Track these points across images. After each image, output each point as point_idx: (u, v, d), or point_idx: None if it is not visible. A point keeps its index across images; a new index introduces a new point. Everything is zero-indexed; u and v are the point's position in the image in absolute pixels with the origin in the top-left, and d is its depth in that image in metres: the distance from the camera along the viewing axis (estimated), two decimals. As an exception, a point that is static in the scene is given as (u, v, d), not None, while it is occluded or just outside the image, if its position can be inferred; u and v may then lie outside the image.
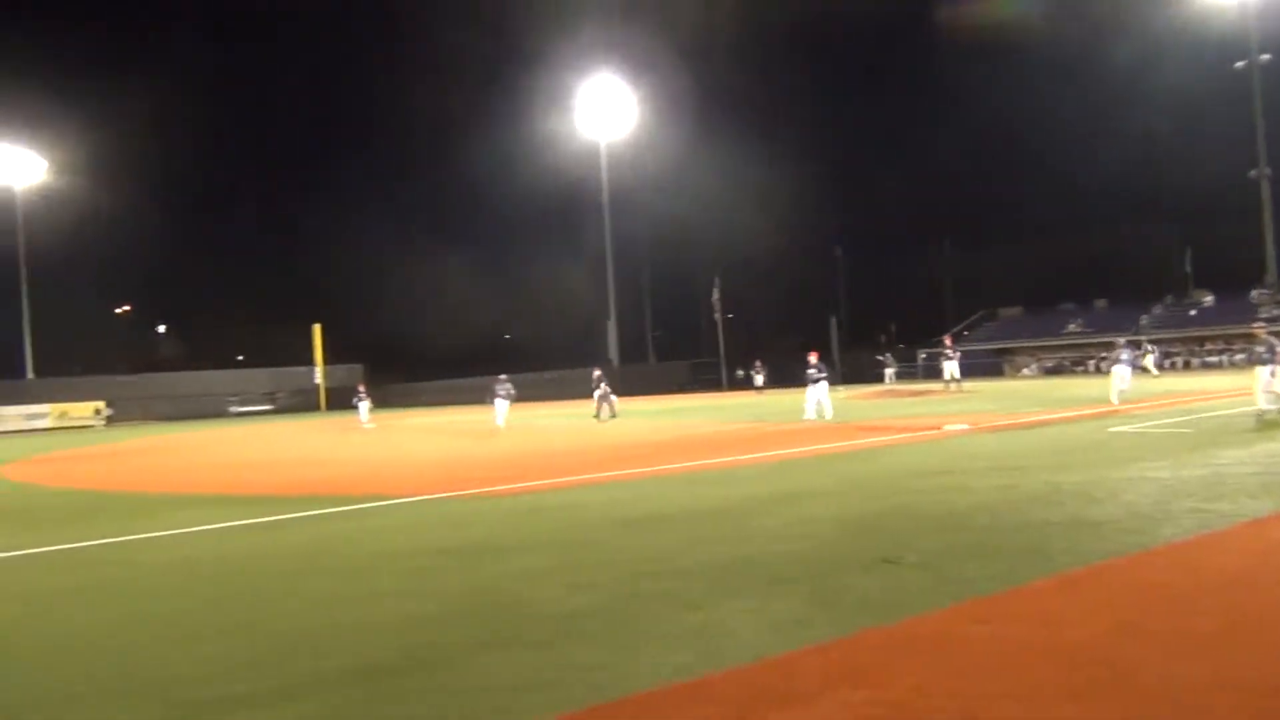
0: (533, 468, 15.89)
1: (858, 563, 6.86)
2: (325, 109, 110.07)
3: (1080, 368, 63.52)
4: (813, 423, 23.15)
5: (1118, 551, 6.84)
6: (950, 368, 41.78)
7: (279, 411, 72.11)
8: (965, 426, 18.80)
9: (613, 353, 70.45)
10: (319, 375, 72.66)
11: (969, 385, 38.79)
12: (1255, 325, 19.79)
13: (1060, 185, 79.56)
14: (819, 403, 24.63)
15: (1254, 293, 62.03)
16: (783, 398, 44.32)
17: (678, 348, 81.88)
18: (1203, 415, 18.92)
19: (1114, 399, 23.12)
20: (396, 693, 4.63)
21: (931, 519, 8.59)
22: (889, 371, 56.98)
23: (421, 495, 12.65)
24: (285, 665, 5.20)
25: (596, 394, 31.33)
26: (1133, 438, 15.15)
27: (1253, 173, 61.00)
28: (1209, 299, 65.74)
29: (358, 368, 77.00)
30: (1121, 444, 14.23)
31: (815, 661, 4.75)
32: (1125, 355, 24.31)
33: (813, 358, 25.89)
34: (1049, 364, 65.83)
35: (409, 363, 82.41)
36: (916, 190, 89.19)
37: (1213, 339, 60.70)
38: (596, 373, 32.69)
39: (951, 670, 4.49)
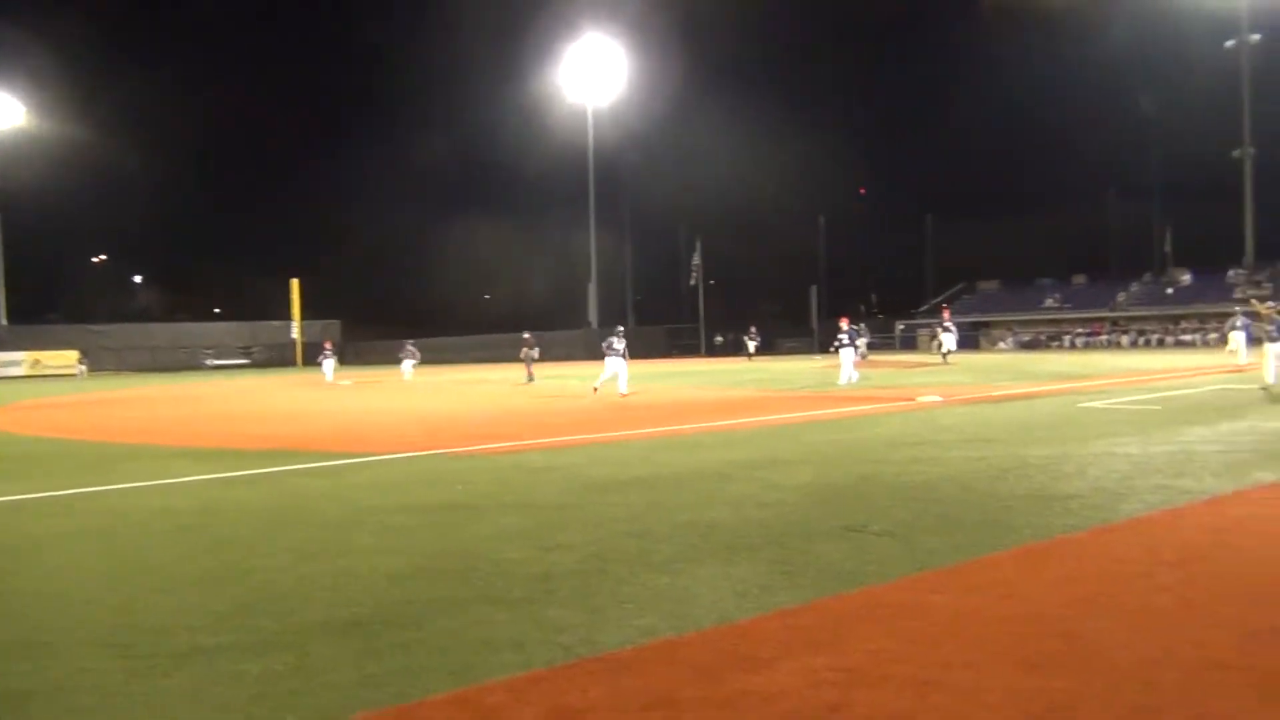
0: (508, 429, 15.96)
1: (823, 531, 6.97)
2: (316, 62, 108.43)
3: (1056, 343, 63.97)
4: (844, 389, 23.37)
5: (1081, 526, 6.97)
6: (947, 340, 41.89)
7: (254, 366, 71.86)
8: (938, 398, 18.97)
9: (592, 315, 70.45)
10: (295, 330, 72.25)
11: (951, 358, 38.98)
12: (1267, 305, 20.59)
13: (1043, 161, 79.64)
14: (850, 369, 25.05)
15: (1231, 272, 62.53)
16: (770, 365, 44.50)
17: (658, 312, 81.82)
18: (1174, 393, 19.15)
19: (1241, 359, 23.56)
20: (368, 648, 4.70)
21: (899, 489, 8.70)
22: (862, 342, 57.04)
23: (398, 453, 12.69)
24: (257, 618, 5.25)
25: (527, 356, 32.10)
26: (1103, 414, 15.34)
27: (1236, 152, 61.27)
28: (1187, 278, 66.11)
29: (335, 323, 76.76)
30: (1091, 420, 14.42)
31: (777, 627, 4.84)
32: (1241, 322, 24.71)
33: (843, 323, 26.46)
34: (1025, 338, 66.22)
35: (388, 320, 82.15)
36: (901, 162, 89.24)
37: (1189, 318, 61.13)
38: (526, 335, 33.07)
39: (910, 638, 4.59)
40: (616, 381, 23.02)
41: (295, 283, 72.27)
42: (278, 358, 73.24)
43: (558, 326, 69.17)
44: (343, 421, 19.27)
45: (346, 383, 35.30)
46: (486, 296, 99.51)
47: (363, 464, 11.82)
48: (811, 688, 4.01)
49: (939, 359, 40.60)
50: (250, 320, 77.72)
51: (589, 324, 69.41)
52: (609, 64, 66.64)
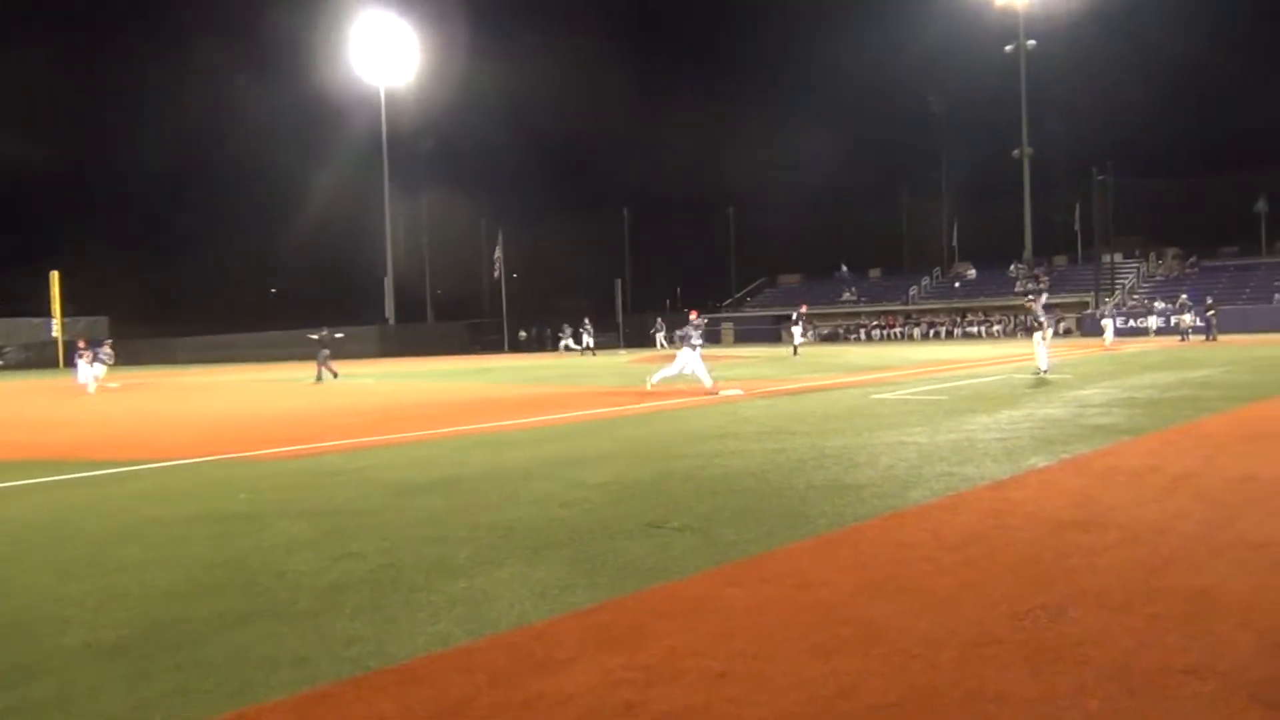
0: (300, 431, 15.45)
1: (624, 529, 7.09)
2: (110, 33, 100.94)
3: (854, 335, 67.03)
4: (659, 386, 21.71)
5: (872, 514, 7.36)
6: (797, 334, 43.26)
7: (8, 368, 66.62)
8: (739, 392, 19.58)
9: (389, 311, 68.98)
10: (56, 328, 67.37)
11: (762, 352, 40.29)
12: (1026, 299, 22.48)
13: (843, 155, 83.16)
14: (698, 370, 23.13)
15: (1013, 266, 67.21)
16: (580, 361, 44.73)
17: (459, 307, 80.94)
18: (959, 383, 20.44)
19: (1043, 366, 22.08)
20: (139, 671, 4.47)
21: (701, 483, 8.94)
22: (659, 336, 58.00)
23: (175, 460, 12.08)
24: (12, 645, 4.91)
25: (320, 355, 31.22)
26: (894, 404, 16.21)
27: (1015, 152, 65.85)
28: (971, 272, 70.58)
29: (102, 320, 72.16)
30: (884, 410, 15.21)
31: (575, 627, 4.90)
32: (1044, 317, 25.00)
33: (693, 316, 24.76)
34: (825, 331, 69.03)
35: (163, 316, 77.90)
36: (704, 155, 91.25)
37: (974, 310, 65.18)
38: (317, 335, 32.18)
39: (706, 632, 4.74)
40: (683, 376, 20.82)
41: (55, 275, 67.31)
42: (35, 359, 68.25)
43: (352, 321, 67.40)
44: (114, 428, 18.18)
45: (114, 385, 33.15)
46: (273, 291, 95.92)
47: (135, 473, 11.19)
48: (607, 687, 4.08)
49: (789, 352, 41.82)
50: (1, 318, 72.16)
51: (385, 320, 67.96)
52: (399, 44, 65.37)
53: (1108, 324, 44.29)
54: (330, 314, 69.16)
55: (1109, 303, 49.58)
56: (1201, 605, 4.91)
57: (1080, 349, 36.50)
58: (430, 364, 46.29)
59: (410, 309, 75.74)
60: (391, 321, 66.64)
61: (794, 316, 44.79)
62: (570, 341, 54.49)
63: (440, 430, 14.71)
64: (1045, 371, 20.84)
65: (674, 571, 5.87)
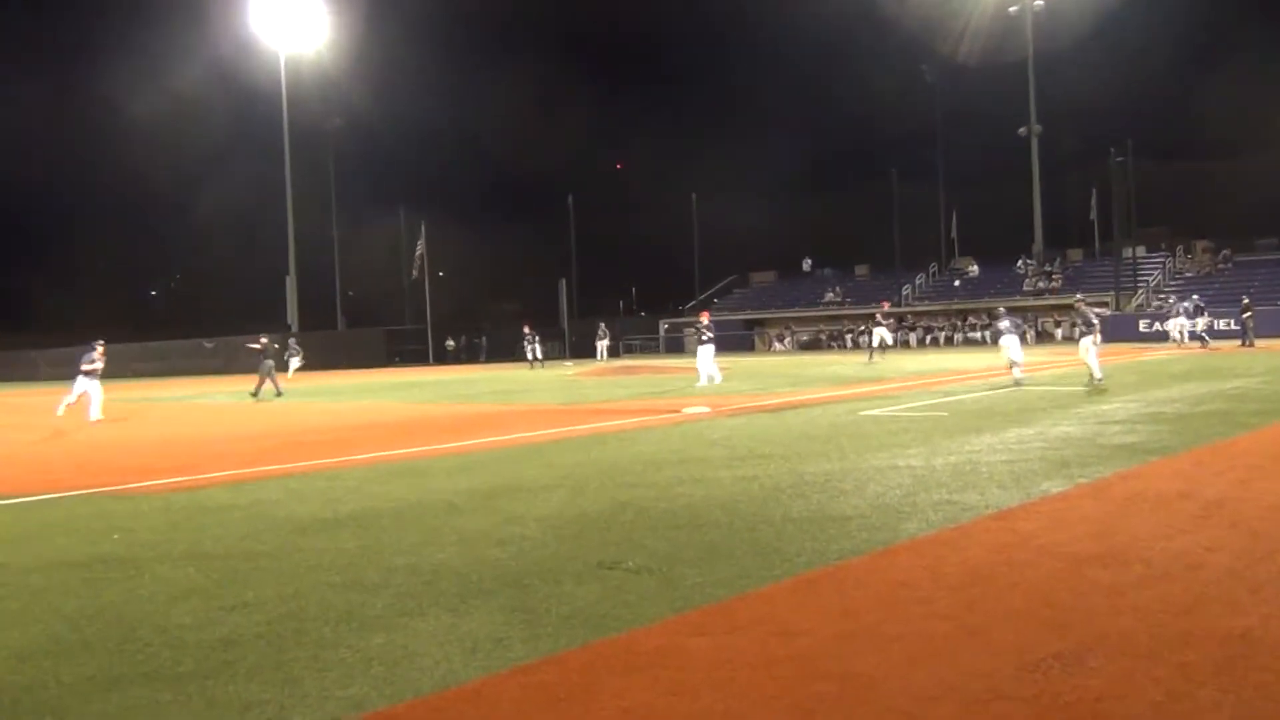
0: (185, 459, 15.27)
1: (569, 570, 7.08)
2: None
3: (837, 343, 67.30)
4: (704, 390, 26.05)
5: (860, 549, 7.41)
6: (883, 335, 43.63)
7: None
8: (706, 409, 19.64)
9: (291, 316, 68.37)
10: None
11: (737, 362, 40.48)
12: (1075, 299, 23.98)
13: (824, 134, 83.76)
14: (709, 369, 28.35)
15: (1020, 261, 67.84)
16: (515, 374, 44.60)
17: (375, 313, 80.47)
18: (961, 397, 20.65)
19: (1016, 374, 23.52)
20: (-15, 749, 4.40)
21: (660, 517, 8.95)
22: (602, 345, 57.87)
23: (33, 495, 11.88)
24: None
25: (262, 367, 30.81)
26: (887, 422, 16.33)
27: (1022, 130, 66.54)
28: (973, 268, 70.99)
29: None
30: (874, 429, 15.32)
31: (512, 687, 4.88)
32: (1006, 324, 25.40)
33: (704, 319, 30.21)
34: (804, 337, 69.23)
35: (19, 326, 76.72)
36: (663, 135, 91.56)
37: (976, 312, 65.41)
38: (258, 345, 31.86)
39: (667, 689, 4.74)
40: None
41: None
42: None
43: (247, 329, 66.68)
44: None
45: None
46: (153, 293, 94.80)
47: (-15, 512, 11.00)
48: (552, 756, 4.07)
49: (871, 358, 42.17)
50: None
51: (288, 326, 67.38)
52: (303, 8, 65.05)
53: (1174, 325, 45.29)
54: (220, 322, 68.54)
55: (1173, 300, 49.96)
56: (1239, 651, 4.99)
57: (1109, 357, 36.79)
58: (340, 378, 45.96)
59: (317, 314, 75.20)
60: (295, 329, 66.00)
61: (876, 317, 45.14)
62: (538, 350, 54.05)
63: (351, 457, 14.60)
64: (1100, 380, 21.63)
65: (629, 620, 5.86)
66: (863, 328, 67.26)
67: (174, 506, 10.86)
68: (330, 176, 77.69)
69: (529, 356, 53.46)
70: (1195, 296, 49.31)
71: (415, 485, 11.61)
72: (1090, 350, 22.20)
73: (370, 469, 13.35)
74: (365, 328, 76.05)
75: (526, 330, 55.07)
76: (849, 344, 66.25)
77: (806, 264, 76.92)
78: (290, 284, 69.10)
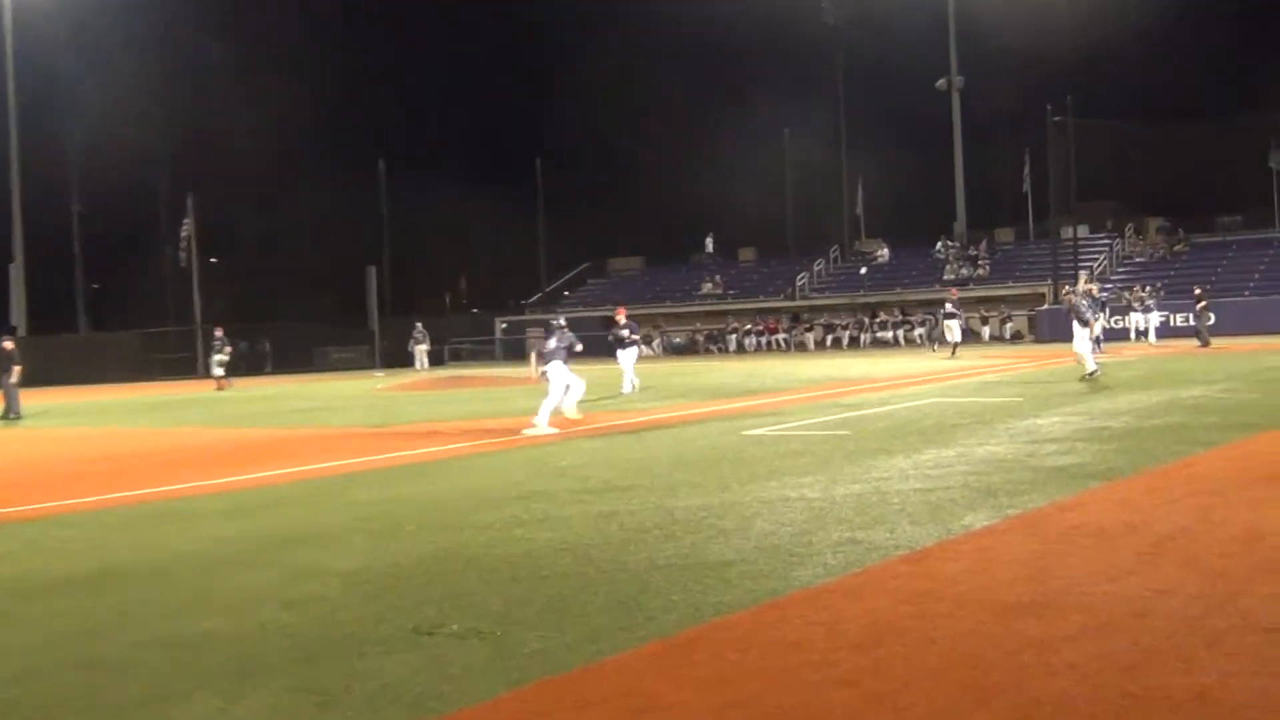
0: None
1: (378, 637, 6.99)
2: None
3: (718, 345, 67.53)
4: (628, 397, 27.47)
5: (742, 603, 7.45)
6: (956, 328, 43.94)
7: None
8: (553, 430, 19.61)
9: (16, 316, 66.28)
10: None
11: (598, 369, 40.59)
12: (1065, 291, 26.03)
13: (694, 85, 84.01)
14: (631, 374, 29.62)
15: (940, 244, 69.04)
16: (313, 388, 43.93)
17: (127, 311, 78.41)
18: (869, 412, 20.99)
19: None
20: None
21: (493, 567, 8.91)
22: (421, 350, 57.18)
23: None
24: None
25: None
26: (776, 443, 16.53)
27: (941, 83, 67.83)
28: (883, 253, 71.74)
29: None
30: (761, 453, 15.49)
31: (300, 789, 4.82)
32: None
33: (620, 316, 31.20)
34: (678, 339, 69.30)
35: None
36: (501, 81, 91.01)
37: (888, 307, 65.99)
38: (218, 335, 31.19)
39: (498, 785, 4.71)
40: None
41: None
42: None
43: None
44: None
45: None
46: None
47: None
48: None
49: (946, 353, 43.16)
50: None
51: (13, 329, 65.34)
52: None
53: (1146, 318, 46.67)
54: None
55: (1139, 292, 51.03)
56: (1194, 715, 5.16)
57: (1042, 359, 37.79)
58: (83, 395, 44.67)
59: (52, 312, 73.14)
60: (21, 332, 64.00)
61: (948, 307, 45.53)
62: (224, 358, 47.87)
63: (91, 499, 14.22)
64: (1095, 373, 23.80)
65: (453, 698, 5.82)
66: (748, 325, 67.88)
67: None
68: (70, 142, 75.74)
69: (213, 371, 47.79)
70: (1142, 288, 50.68)
71: (180, 532, 11.38)
72: (1084, 343, 24.72)
73: (115, 512, 13.07)
74: (114, 331, 74.13)
75: (218, 335, 47.71)
76: (734, 347, 66.43)
77: (709, 244, 77.14)
78: (14, 272, 66.95)
